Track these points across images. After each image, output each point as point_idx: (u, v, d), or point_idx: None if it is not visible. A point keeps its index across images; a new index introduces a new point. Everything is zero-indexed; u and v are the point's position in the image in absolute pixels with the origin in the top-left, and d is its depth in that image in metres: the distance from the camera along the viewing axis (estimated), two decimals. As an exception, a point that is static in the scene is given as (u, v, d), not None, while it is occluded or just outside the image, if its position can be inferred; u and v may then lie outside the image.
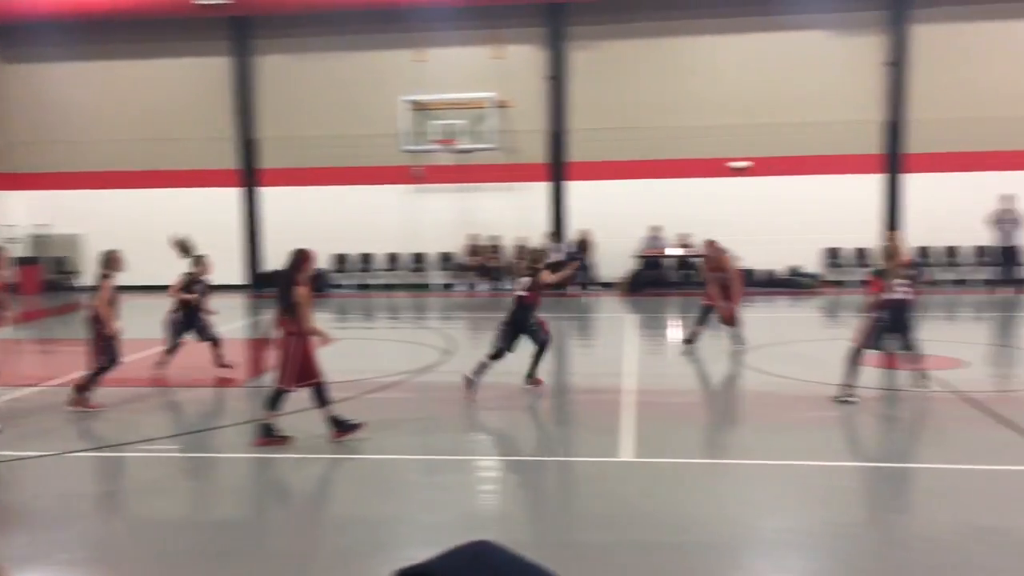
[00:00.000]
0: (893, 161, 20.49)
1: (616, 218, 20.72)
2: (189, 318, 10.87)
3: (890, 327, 8.94)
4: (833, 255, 20.83)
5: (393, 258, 22.07)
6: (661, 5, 20.95)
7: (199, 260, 10.91)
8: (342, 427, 7.77)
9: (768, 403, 9.84)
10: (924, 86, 20.19)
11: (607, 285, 20.81)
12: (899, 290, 8.93)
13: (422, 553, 1.64)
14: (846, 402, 8.95)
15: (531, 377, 9.95)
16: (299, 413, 8.11)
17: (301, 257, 7.73)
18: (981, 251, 20.13)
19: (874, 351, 9.18)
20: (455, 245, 21.74)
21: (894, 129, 20.39)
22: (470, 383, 9.56)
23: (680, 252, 20.72)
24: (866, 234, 20.54)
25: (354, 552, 5.55)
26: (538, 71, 21.31)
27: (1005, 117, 19.88)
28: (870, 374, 10.71)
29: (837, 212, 20.44)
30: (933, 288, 19.78)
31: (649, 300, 18.94)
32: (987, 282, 19.76)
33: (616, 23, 21.08)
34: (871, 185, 20.59)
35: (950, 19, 20.08)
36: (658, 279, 20.72)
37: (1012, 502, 6.18)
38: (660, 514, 6.05)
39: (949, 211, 20.08)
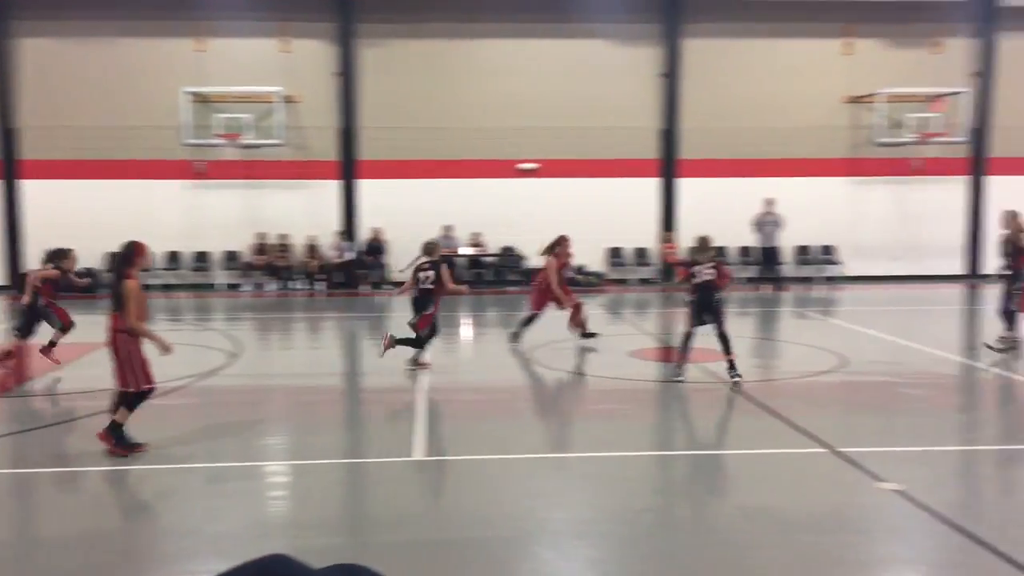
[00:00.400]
0: (668, 166, 21.77)
1: (408, 217, 20.71)
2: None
3: (701, 307, 9.90)
4: (616, 254, 21.83)
5: (174, 256, 20.98)
6: (450, 7, 21.18)
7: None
8: (122, 442, 7.26)
9: (555, 398, 10.17)
10: (695, 96, 21.57)
11: (400, 284, 20.74)
12: (704, 274, 9.87)
13: (208, 565, 1.56)
14: (677, 380, 9.82)
15: (415, 361, 10.69)
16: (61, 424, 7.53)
17: (133, 250, 7.30)
18: (745, 251, 21.76)
19: (699, 327, 10.01)
20: (241, 244, 20.96)
21: (669, 136, 21.66)
22: (421, 364, 10.59)
23: (472, 251, 21.01)
24: (645, 234, 21.72)
25: (132, 566, 5.22)
26: (328, 67, 20.95)
27: (767, 127, 21.60)
28: (649, 367, 11.32)
29: (619, 213, 21.44)
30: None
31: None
32: (750, 280, 21.39)
33: (406, 22, 21.10)
34: (649, 188, 21.76)
35: (718, 35, 21.58)
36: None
37: (775, 483, 6.70)
38: (453, 511, 6.11)
39: (718, 214, 21.54)
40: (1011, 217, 12.04)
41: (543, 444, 8.26)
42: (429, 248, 10.91)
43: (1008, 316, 11.94)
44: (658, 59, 21.55)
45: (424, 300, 10.60)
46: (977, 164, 22.00)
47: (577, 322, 12.63)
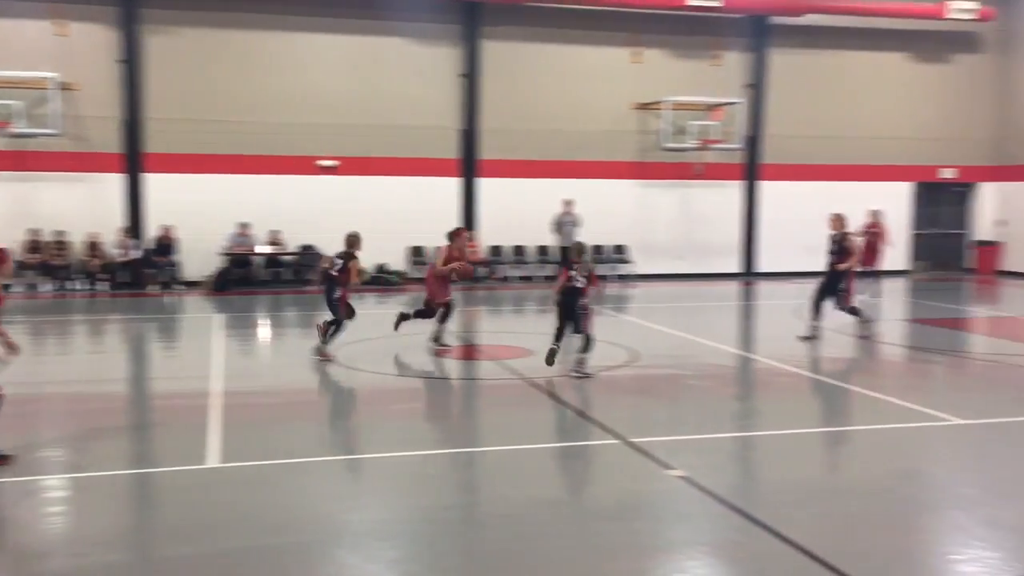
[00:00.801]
0: (469, 166, 22.05)
1: (201, 214, 19.83)
2: None
3: (564, 308, 10.26)
4: (417, 253, 21.86)
5: (-70, 255, 19.01)
6: (245, -4, 20.44)
7: None
8: None
9: (357, 398, 10.07)
10: (494, 98, 21.96)
11: (192, 284, 19.85)
12: (578, 280, 10.16)
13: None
14: (581, 376, 10.15)
15: (320, 350, 11.20)
16: None
17: None
18: (543, 250, 22.39)
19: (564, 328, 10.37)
20: (10, 240, 19.31)
21: (469, 136, 21.94)
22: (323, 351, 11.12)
23: (270, 250, 20.40)
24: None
25: None
26: (110, 53, 19.68)
27: (563, 130, 22.30)
28: (451, 365, 11.42)
29: (421, 212, 21.47)
30: (504, 284, 21.63)
31: (237, 299, 18.38)
32: (548, 278, 22.01)
33: (195, 10, 20.17)
34: (451, 187, 21.94)
35: (515, 39, 22.06)
36: (246, 277, 20.20)
37: (570, 474, 6.96)
38: (251, 519, 5.92)
39: (517, 213, 22.08)
40: (837, 219, 13.18)
41: (341, 446, 8.16)
42: (350, 240, 11.38)
43: (849, 311, 13.09)
44: (458, 59, 21.77)
45: (330, 287, 11.20)
46: (751, 170, 23.70)
47: (437, 315, 12.16)
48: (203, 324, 15.48)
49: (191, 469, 6.90)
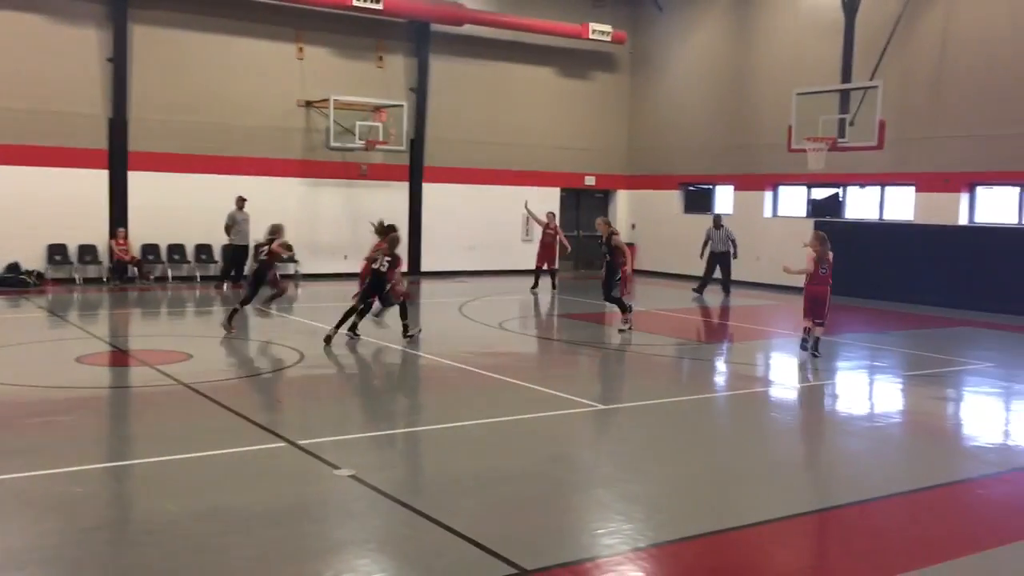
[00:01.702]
0: (119, 158, 20.43)
1: None
2: None
3: (372, 289, 12.69)
4: (58, 252, 19.88)
5: None
6: None
7: None
8: None
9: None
10: (147, 86, 20.57)
11: None
12: (384, 262, 12.61)
13: None
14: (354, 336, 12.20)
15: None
16: None
17: None
18: (205, 249, 21.34)
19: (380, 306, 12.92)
20: None
21: (118, 126, 20.35)
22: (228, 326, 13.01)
23: None
24: (94, 230, 20.15)
25: None
26: None
27: (227, 124, 21.39)
28: (100, 373, 10.54)
29: (63, 207, 19.59)
30: (160, 285, 20.32)
31: None
32: (209, 279, 21.02)
33: None
34: (99, 181, 20.21)
35: (169, 24, 20.81)
36: None
37: (236, 481, 6.70)
38: None
39: (174, 209, 20.83)
40: (604, 223, 14.84)
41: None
42: (273, 229, 13.52)
43: (616, 301, 14.55)
44: (106, 43, 20.10)
45: (262, 272, 13.36)
46: (415, 171, 24.31)
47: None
48: None
49: None
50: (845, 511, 6.43)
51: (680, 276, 23.82)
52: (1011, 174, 18.95)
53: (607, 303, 15.11)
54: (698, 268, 21.43)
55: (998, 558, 5.60)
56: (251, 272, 13.55)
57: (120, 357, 11.75)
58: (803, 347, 12.71)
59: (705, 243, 20.78)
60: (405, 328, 13.09)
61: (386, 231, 13.14)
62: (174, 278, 20.93)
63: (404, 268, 13.82)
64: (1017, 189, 19.28)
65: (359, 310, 12.88)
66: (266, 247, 13.37)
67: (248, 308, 13.96)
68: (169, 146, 20.82)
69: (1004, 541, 5.88)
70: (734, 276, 21.09)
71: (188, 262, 21.37)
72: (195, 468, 7.07)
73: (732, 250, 20.71)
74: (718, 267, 20.77)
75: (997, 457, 8.05)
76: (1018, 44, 18.57)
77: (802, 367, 12.20)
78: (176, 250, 21.23)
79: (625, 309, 14.62)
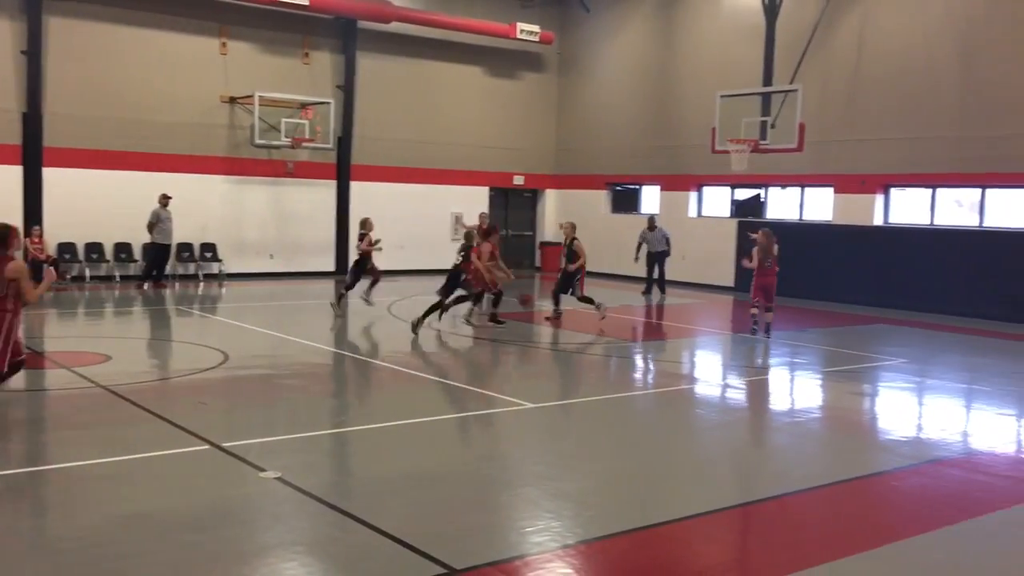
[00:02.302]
0: (34, 154, 19.77)
1: None
2: None
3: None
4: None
5: None
6: None
7: None
8: None
9: None
10: (63, 80, 19.97)
11: None
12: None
13: None
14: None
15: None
16: None
17: (7, 232, 7.73)
18: (124, 248, 20.78)
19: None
20: None
21: (33, 121, 19.68)
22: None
23: None
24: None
25: None
26: None
27: (147, 120, 20.89)
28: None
29: (-29, 204, 18.88)
30: (76, 285, 19.74)
31: None
32: (129, 278, 20.48)
33: None
34: (12, 177, 19.54)
35: (87, 17, 20.23)
36: None
37: (156, 487, 6.55)
38: None
39: (92, 208, 20.25)
40: (569, 227, 15.98)
41: None
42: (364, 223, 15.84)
43: (585, 300, 15.72)
44: (20, 35, 19.42)
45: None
46: (342, 169, 24.07)
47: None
48: None
49: None
50: (767, 505, 6.59)
51: (608, 275, 24.07)
52: (923, 176, 19.64)
53: (553, 299, 16.19)
54: (627, 268, 21.69)
55: (912, 547, 5.80)
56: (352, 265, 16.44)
57: (35, 359, 11.36)
58: (753, 332, 14.18)
59: (639, 246, 21.02)
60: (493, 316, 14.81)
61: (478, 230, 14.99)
62: (92, 278, 20.34)
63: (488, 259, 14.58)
64: (929, 191, 20.00)
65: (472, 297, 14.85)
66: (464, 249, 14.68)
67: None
68: (86, 142, 20.23)
69: (918, 531, 6.09)
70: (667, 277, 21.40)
71: (107, 261, 20.79)
72: (115, 473, 6.88)
73: (668, 249, 21.02)
74: (656, 266, 21.06)
75: (911, 450, 8.34)
76: (930, 51, 19.25)
77: (725, 365, 12.44)
78: (94, 249, 20.63)
79: (593, 302, 15.65)
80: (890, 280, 19.31)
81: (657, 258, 21.03)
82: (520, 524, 6.06)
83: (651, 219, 21.49)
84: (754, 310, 14.20)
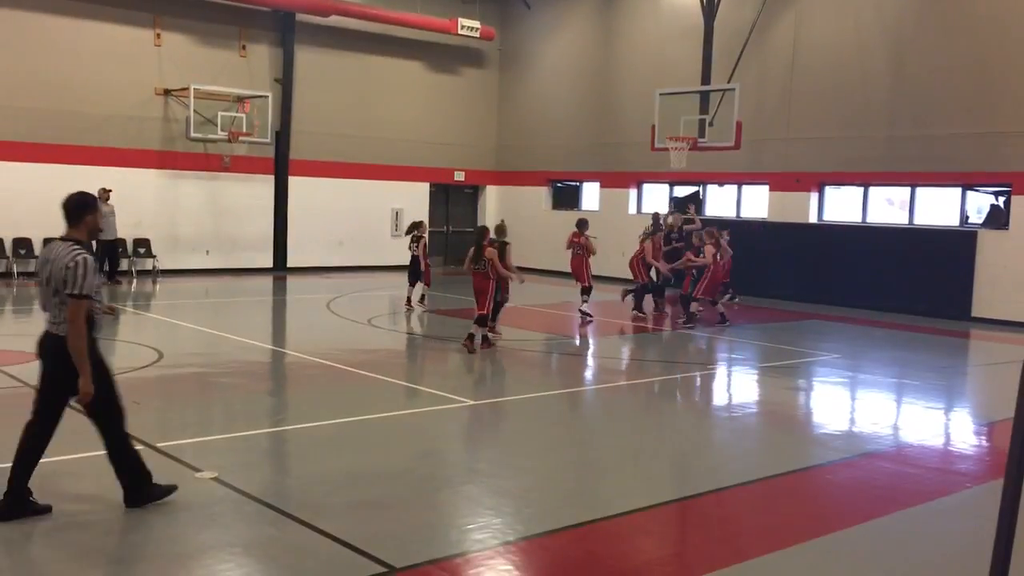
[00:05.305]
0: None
1: None
2: None
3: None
4: None
5: None
6: None
7: None
8: None
9: None
10: (-11, 70, 19.34)
11: None
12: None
13: None
14: None
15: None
16: None
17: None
18: (24, 243, 19.98)
19: None
20: None
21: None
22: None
23: None
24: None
25: None
26: None
27: (76, 112, 20.32)
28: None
29: None
30: (4, 281, 19.14)
31: None
32: (29, 275, 19.87)
33: None
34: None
35: (11, 6, 19.58)
36: None
37: (88, 488, 6.38)
38: None
39: (18, 202, 19.65)
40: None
41: None
42: (415, 225, 16.33)
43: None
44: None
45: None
46: (280, 164, 23.73)
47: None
48: None
49: None
50: (704, 499, 6.67)
51: (548, 272, 24.16)
52: (855, 174, 20.10)
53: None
54: (567, 264, 21.75)
55: (845, 539, 5.93)
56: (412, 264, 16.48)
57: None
58: (722, 322, 15.45)
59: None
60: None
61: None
62: (20, 274, 19.73)
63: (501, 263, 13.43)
64: (861, 189, 20.47)
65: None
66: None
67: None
68: (12, 134, 19.61)
69: (851, 523, 6.23)
70: (600, 272, 21.49)
71: (36, 257, 20.16)
72: (47, 473, 6.68)
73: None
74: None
75: (843, 444, 8.53)
76: (863, 51, 19.70)
77: (664, 361, 12.56)
78: (22, 244, 20.01)
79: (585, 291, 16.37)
80: (824, 277, 19.73)
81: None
82: (460, 522, 6.05)
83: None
84: (700, 307, 14.44)
